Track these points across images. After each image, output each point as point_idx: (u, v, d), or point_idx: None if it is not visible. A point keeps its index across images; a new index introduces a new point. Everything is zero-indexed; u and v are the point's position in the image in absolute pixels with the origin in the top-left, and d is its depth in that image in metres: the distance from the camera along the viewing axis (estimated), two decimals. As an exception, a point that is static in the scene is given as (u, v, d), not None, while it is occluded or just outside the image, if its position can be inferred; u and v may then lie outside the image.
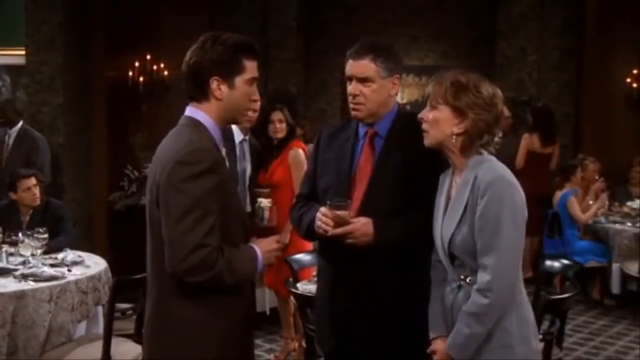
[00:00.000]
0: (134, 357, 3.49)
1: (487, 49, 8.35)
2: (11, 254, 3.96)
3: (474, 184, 2.12)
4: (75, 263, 3.95)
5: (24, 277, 3.59)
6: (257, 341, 4.86)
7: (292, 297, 3.95)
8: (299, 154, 4.48)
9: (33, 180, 4.47)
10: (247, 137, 4.65)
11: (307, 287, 3.66)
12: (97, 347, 3.41)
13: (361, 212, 2.41)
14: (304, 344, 3.85)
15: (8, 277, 3.62)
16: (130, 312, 3.62)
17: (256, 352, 4.56)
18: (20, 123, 6.06)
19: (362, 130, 2.55)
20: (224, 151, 2.31)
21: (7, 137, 6.02)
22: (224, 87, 2.10)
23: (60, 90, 6.63)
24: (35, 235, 3.89)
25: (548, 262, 4.05)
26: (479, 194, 2.10)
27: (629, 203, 6.69)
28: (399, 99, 2.66)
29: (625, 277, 5.95)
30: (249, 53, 2.12)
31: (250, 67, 2.13)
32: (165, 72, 7.63)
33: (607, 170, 6.90)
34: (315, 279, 3.13)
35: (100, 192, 7.26)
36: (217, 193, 2.00)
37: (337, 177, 2.52)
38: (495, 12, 8.23)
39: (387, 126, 2.51)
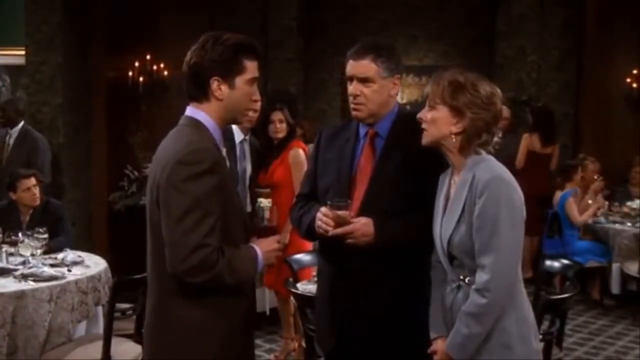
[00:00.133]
0: (134, 357, 3.49)
1: (486, 49, 8.36)
2: (11, 254, 3.96)
3: (471, 183, 2.12)
4: (75, 263, 3.95)
5: (24, 277, 3.59)
6: (257, 341, 4.86)
7: (292, 297, 3.95)
8: (299, 154, 4.48)
9: (33, 181, 4.47)
10: (247, 137, 4.65)
11: (307, 287, 3.66)
12: (97, 347, 3.41)
13: (361, 212, 2.41)
14: (304, 344, 3.85)
15: (8, 277, 3.62)
16: (130, 312, 3.62)
17: (256, 352, 4.55)
18: (22, 123, 6.07)
19: (362, 130, 2.55)
20: (224, 151, 2.31)
21: (8, 137, 6.03)
22: (224, 87, 2.10)
23: (60, 90, 6.63)
24: (35, 235, 3.89)
25: (548, 262, 4.04)
26: (477, 193, 2.10)
27: (628, 203, 6.69)
28: (398, 99, 2.65)
29: (625, 277, 5.95)
30: (249, 53, 2.13)
31: (251, 67, 2.13)
32: (165, 72, 7.63)
33: (607, 170, 6.90)
34: (315, 279, 3.14)
35: (100, 192, 7.26)
36: (218, 193, 2.00)
37: (338, 177, 2.52)
38: (495, 12, 8.23)
39: (388, 126, 2.51)
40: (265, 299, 5.08)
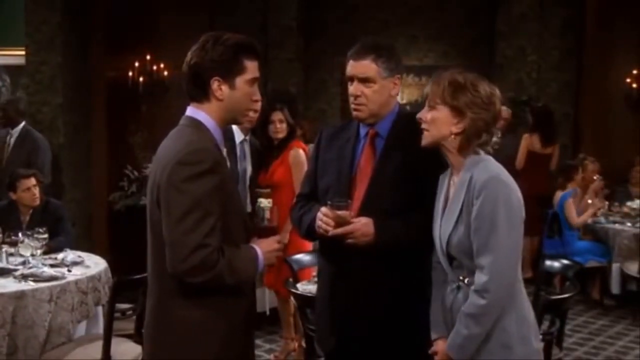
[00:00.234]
0: (134, 357, 3.49)
1: (486, 49, 8.36)
2: (11, 254, 3.96)
3: (469, 184, 2.12)
4: (75, 263, 3.95)
5: (24, 277, 3.59)
6: (257, 341, 4.86)
7: (292, 297, 3.95)
8: (300, 154, 4.48)
9: (33, 181, 4.47)
10: (247, 137, 4.65)
11: (307, 287, 3.66)
12: (97, 347, 3.41)
13: (361, 212, 2.41)
14: (304, 344, 3.85)
15: (8, 277, 3.62)
16: (130, 312, 3.62)
17: (256, 352, 4.54)
18: (23, 123, 6.07)
19: (363, 130, 2.55)
20: (225, 151, 2.31)
21: (8, 137, 6.03)
22: (224, 88, 2.10)
23: (60, 90, 6.63)
24: (35, 235, 3.89)
25: (548, 262, 4.04)
26: (475, 194, 2.10)
27: (628, 203, 6.70)
28: (398, 99, 2.65)
29: (625, 277, 5.95)
30: (249, 53, 2.12)
31: (251, 68, 2.13)
32: (165, 72, 7.63)
33: (607, 170, 6.91)
34: (315, 279, 3.14)
35: (100, 192, 7.26)
36: (218, 193, 2.00)
37: (338, 177, 2.52)
38: (495, 12, 8.23)
39: (388, 126, 2.51)
40: (265, 299, 5.08)
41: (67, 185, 6.69)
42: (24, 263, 3.82)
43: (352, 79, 2.48)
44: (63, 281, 3.61)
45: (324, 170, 2.58)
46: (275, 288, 4.60)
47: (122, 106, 7.55)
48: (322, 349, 2.78)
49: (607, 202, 6.82)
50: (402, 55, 2.60)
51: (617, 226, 6.18)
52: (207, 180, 1.98)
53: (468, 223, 2.11)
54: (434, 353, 2.26)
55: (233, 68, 2.09)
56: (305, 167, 3.58)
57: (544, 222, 6.28)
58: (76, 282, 3.66)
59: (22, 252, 3.90)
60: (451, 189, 2.23)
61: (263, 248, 2.17)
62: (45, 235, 3.93)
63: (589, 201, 6.35)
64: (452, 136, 2.17)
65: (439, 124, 2.17)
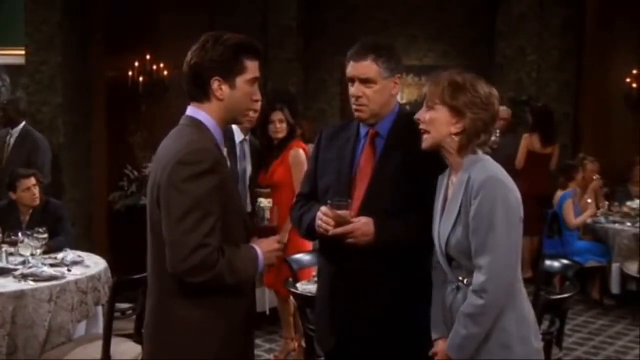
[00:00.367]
0: (134, 357, 3.49)
1: (486, 49, 8.35)
2: (11, 254, 3.96)
3: (467, 184, 2.12)
4: (75, 263, 3.95)
5: (24, 277, 3.59)
6: (257, 341, 4.86)
7: (292, 297, 3.95)
8: (300, 154, 4.48)
9: (33, 181, 4.47)
10: (247, 137, 4.65)
11: (307, 287, 3.66)
12: (97, 347, 3.40)
13: (362, 212, 2.41)
14: (304, 344, 3.85)
15: (8, 277, 3.62)
16: (130, 312, 3.62)
17: (256, 352, 4.55)
18: (23, 123, 6.07)
19: (363, 130, 2.55)
20: (225, 151, 2.31)
21: (9, 137, 6.03)
22: (225, 88, 2.10)
23: (60, 90, 6.63)
24: (35, 235, 3.89)
25: (548, 262, 4.04)
26: (473, 194, 2.09)
27: (628, 203, 6.70)
28: (398, 98, 2.65)
29: (625, 277, 5.96)
30: (250, 53, 2.12)
31: (252, 68, 2.13)
32: (165, 72, 7.63)
33: (607, 170, 6.91)
34: (315, 279, 3.14)
35: (100, 192, 7.26)
36: (218, 193, 2.00)
37: (338, 177, 2.52)
38: (495, 12, 8.22)
39: (388, 126, 2.51)
40: (265, 299, 5.08)
41: (67, 185, 6.70)
42: (24, 263, 3.82)
43: (353, 80, 2.48)
44: (63, 281, 3.61)
45: (324, 170, 2.58)
46: (275, 288, 4.60)
47: (122, 106, 7.55)
48: (322, 349, 2.78)
49: (607, 202, 6.83)
50: (402, 55, 2.60)
51: (617, 226, 6.18)
52: (208, 180, 1.98)
53: (466, 223, 2.11)
54: (435, 354, 2.26)
55: (233, 68, 2.09)
56: (306, 167, 3.58)
57: (544, 222, 6.28)
58: (76, 282, 3.66)
59: (22, 252, 3.90)
60: (450, 190, 2.23)
61: (263, 248, 2.17)
62: (45, 235, 3.93)
63: (589, 201, 6.36)
64: (452, 136, 2.16)
65: (438, 124, 2.17)
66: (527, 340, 2.15)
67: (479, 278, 2.08)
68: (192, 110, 2.15)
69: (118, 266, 4.32)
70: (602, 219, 6.39)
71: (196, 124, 2.11)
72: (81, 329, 3.76)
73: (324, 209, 2.41)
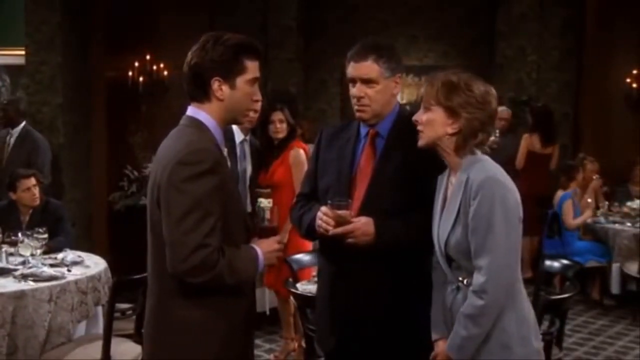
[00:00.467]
0: (133, 357, 3.49)
1: (486, 49, 8.35)
2: (11, 254, 3.96)
3: (466, 184, 2.12)
4: (74, 263, 3.95)
5: (24, 277, 3.59)
6: (257, 341, 4.86)
7: (292, 297, 3.95)
8: (300, 154, 4.47)
9: (33, 181, 4.47)
10: (247, 137, 4.65)
11: (307, 287, 3.66)
12: (96, 347, 3.40)
13: (361, 212, 2.41)
14: (303, 344, 3.85)
15: (8, 277, 3.62)
16: (130, 312, 3.62)
17: (256, 352, 4.56)
18: (23, 123, 6.07)
19: (363, 130, 2.55)
20: (225, 151, 2.31)
21: (8, 137, 6.03)
22: (225, 88, 2.10)
23: (60, 90, 6.63)
24: (35, 235, 3.89)
25: (548, 262, 4.04)
26: (471, 194, 2.09)
27: (628, 203, 6.70)
28: (398, 98, 2.65)
29: (625, 277, 5.96)
30: (250, 53, 2.12)
31: (252, 68, 2.13)
32: (165, 72, 7.63)
33: (606, 170, 6.91)
34: (315, 279, 3.14)
35: (100, 192, 7.26)
36: (218, 193, 2.00)
37: (338, 177, 2.52)
38: (494, 12, 8.23)
39: (389, 126, 2.51)
40: (265, 299, 5.08)
41: (67, 185, 6.69)
42: (23, 263, 3.82)
43: (354, 80, 2.48)
44: (63, 281, 3.61)
45: (324, 170, 2.58)
46: (275, 288, 4.60)
47: (122, 106, 7.55)
48: (322, 349, 2.78)
49: (607, 202, 6.83)
50: (402, 55, 2.60)
51: (617, 226, 6.18)
52: (208, 180, 1.98)
53: (465, 224, 2.11)
54: (435, 355, 2.26)
55: (233, 68, 2.09)
56: (306, 167, 3.58)
57: (543, 222, 6.28)
58: (76, 282, 3.66)
59: (22, 252, 3.90)
60: (449, 190, 2.23)
61: (263, 248, 2.17)
62: (45, 235, 3.93)
63: (589, 200, 6.36)
64: (448, 136, 2.16)
65: (434, 125, 2.17)
66: (527, 341, 2.15)
67: (478, 278, 2.08)
68: (192, 110, 2.15)
69: (118, 266, 4.32)
70: (602, 219, 6.39)
71: (196, 124, 2.11)
72: (81, 329, 3.76)
73: (324, 208, 2.41)
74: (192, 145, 2.02)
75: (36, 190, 4.48)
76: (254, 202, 4.49)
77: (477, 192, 2.08)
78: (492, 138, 2.21)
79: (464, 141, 2.16)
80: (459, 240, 2.13)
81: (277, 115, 4.51)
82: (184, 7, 7.74)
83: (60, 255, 4.05)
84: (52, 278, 3.60)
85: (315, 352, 3.33)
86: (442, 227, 2.20)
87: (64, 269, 3.79)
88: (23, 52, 6.70)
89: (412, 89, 8.31)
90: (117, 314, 3.45)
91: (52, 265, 3.83)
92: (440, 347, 2.24)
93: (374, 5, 8.58)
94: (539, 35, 7.96)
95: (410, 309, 2.42)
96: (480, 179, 2.09)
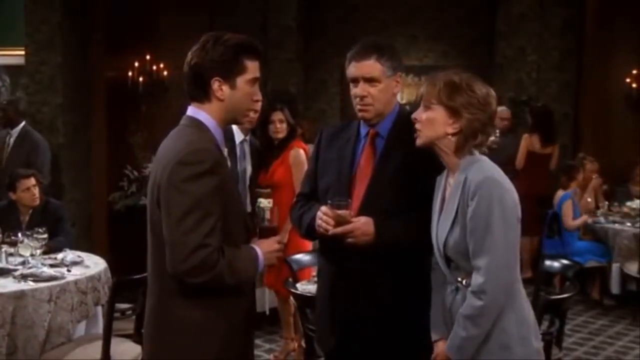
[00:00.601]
0: (133, 357, 3.49)
1: (486, 48, 8.36)
2: (11, 254, 3.95)
3: (464, 185, 2.12)
4: (74, 263, 3.95)
5: (24, 277, 3.59)
6: (257, 341, 4.86)
7: (291, 297, 3.95)
8: (300, 154, 4.47)
9: (32, 181, 4.47)
10: (247, 138, 4.65)
11: (306, 287, 3.66)
12: (96, 347, 3.40)
13: (361, 212, 2.41)
14: (303, 344, 3.85)
15: (7, 277, 3.62)
16: (130, 312, 3.62)
17: (256, 352, 4.56)
18: (22, 124, 6.07)
19: (363, 130, 2.55)
20: (225, 151, 2.31)
21: (8, 137, 6.03)
22: (225, 88, 2.10)
23: (60, 90, 6.63)
24: (35, 235, 3.89)
25: (548, 262, 4.04)
26: (469, 195, 2.09)
27: (628, 203, 6.70)
28: (398, 98, 2.66)
29: (624, 277, 5.96)
30: (250, 53, 2.12)
31: (252, 68, 2.13)
32: (165, 72, 7.63)
33: (606, 170, 6.92)
34: (315, 279, 3.14)
35: (100, 192, 7.26)
36: (219, 193, 2.00)
37: (338, 177, 2.52)
38: (494, 12, 8.22)
39: (389, 126, 2.52)
40: (265, 299, 5.08)
41: (67, 185, 6.70)
42: (23, 263, 3.82)
43: (356, 80, 2.48)
44: (62, 281, 3.61)
45: (324, 170, 2.58)
46: (275, 288, 4.60)
47: (122, 106, 7.55)
48: (322, 349, 2.78)
49: (607, 202, 6.83)
50: (402, 55, 2.60)
51: (617, 226, 6.18)
52: (208, 180, 1.98)
53: (464, 224, 2.10)
54: (435, 356, 2.26)
55: (234, 68, 2.09)
56: (306, 167, 3.58)
57: (543, 222, 6.28)
58: (76, 282, 3.66)
59: (21, 252, 3.90)
60: (447, 190, 2.23)
61: (263, 248, 2.17)
62: (45, 235, 3.93)
63: (589, 200, 6.36)
64: (448, 136, 2.16)
65: (434, 124, 2.17)
66: (526, 341, 2.15)
67: (477, 279, 2.08)
68: (192, 111, 2.15)
69: (118, 266, 4.32)
70: (602, 219, 6.39)
71: (196, 124, 2.11)
72: (81, 329, 3.76)
73: (323, 208, 2.41)
74: (192, 145, 2.02)
75: (36, 190, 4.48)
76: (254, 202, 4.49)
77: (475, 193, 2.08)
78: (492, 138, 2.21)
79: (464, 141, 2.16)
80: (457, 240, 2.13)
81: (277, 115, 4.51)
82: (184, 7, 7.74)
83: (60, 256, 4.05)
84: (51, 278, 3.60)
85: (315, 352, 3.34)
86: (440, 228, 2.20)
87: (64, 269, 3.79)
88: (23, 52, 6.70)
89: (412, 89, 8.30)
90: (117, 314, 3.45)
91: (52, 266, 3.83)
92: (440, 347, 2.24)
93: (374, 5, 8.58)
94: (539, 35, 7.95)
95: (410, 309, 2.42)
96: (478, 180, 2.09)
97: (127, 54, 7.52)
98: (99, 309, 3.87)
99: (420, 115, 2.20)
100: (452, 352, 2.16)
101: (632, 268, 5.76)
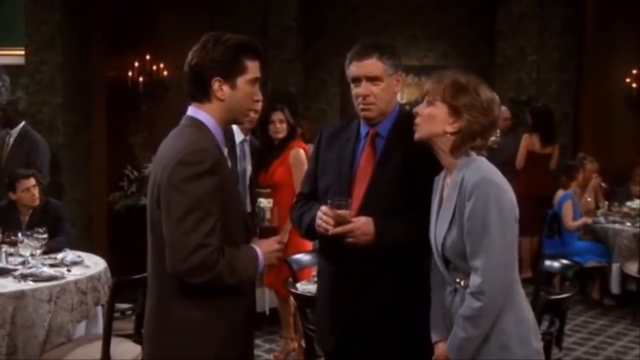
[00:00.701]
0: (133, 357, 3.49)
1: (486, 48, 8.35)
2: (11, 254, 3.96)
3: (461, 185, 2.11)
4: (74, 263, 3.95)
5: (24, 277, 3.59)
6: (257, 341, 4.86)
7: (291, 297, 3.95)
8: (300, 154, 4.47)
9: (32, 181, 4.47)
10: (247, 138, 4.65)
11: (306, 287, 3.66)
12: (96, 347, 3.40)
13: (361, 212, 2.41)
14: (303, 344, 3.85)
15: (7, 277, 3.62)
16: (130, 312, 3.62)
17: (256, 352, 4.56)
18: (22, 124, 6.07)
19: (363, 130, 2.56)
20: (226, 151, 2.31)
21: (7, 137, 6.03)
22: (225, 88, 2.10)
23: (60, 90, 6.63)
24: (35, 235, 3.89)
25: (548, 262, 4.04)
26: (466, 195, 2.08)
27: (628, 203, 6.70)
28: (398, 98, 2.66)
29: (624, 277, 5.96)
30: (250, 53, 2.12)
31: (252, 68, 2.13)
32: (165, 72, 7.63)
33: (606, 170, 6.92)
34: (315, 279, 3.14)
35: (100, 192, 7.26)
36: (219, 193, 2.00)
37: (338, 177, 2.52)
38: (494, 12, 8.22)
39: (389, 126, 2.52)
40: (265, 299, 5.08)
41: (66, 185, 6.69)
42: (23, 263, 3.82)
43: (358, 79, 2.48)
44: (62, 281, 3.61)
45: (324, 170, 2.59)
46: (275, 288, 4.60)
47: (122, 106, 7.55)
48: (322, 349, 2.78)
49: (607, 202, 6.83)
50: (402, 55, 2.61)
51: (617, 226, 6.18)
52: (208, 180, 1.98)
53: (461, 225, 2.10)
54: (436, 358, 2.26)
55: (234, 68, 2.09)
56: (306, 167, 3.58)
57: (543, 222, 6.28)
58: (76, 282, 3.66)
59: (21, 252, 3.90)
60: (445, 191, 2.23)
61: (263, 248, 2.17)
62: (45, 235, 3.93)
63: (589, 199, 6.36)
64: (446, 135, 2.16)
65: (434, 120, 2.17)
66: (526, 341, 2.14)
67: (475, 280, 2.07)
68: (192, 110, 2.15)
69: (118, 266, 4.31)
70: (602, 219, 6.38)
71: (196, 124, 2.11)
72: (81, 329, 3.76)
73: (323, 208, 2.42)
74: (192, 145, 2.02)
75: (36, 191, 4.48)
76: (254, 202, 4.49)
77: (471, 193, 2.07)
78: (492, 138, 2.20)
79: (461, 142, 2.16)
80: (454, 241, 2.12)
81: (277, 115, 4.51)
82: (184, 7, 7.74)
83: (60, 255, 4.05)
84: (51, 278, 3.60)
85: (315, 352, 3.34)
86: (438, 229, 2.20)
87: (64, 269, 3.79)
88: (23, 52, 6.70)
89: (412, 89, 8.30)
90: (117, 314, 3.45)
91: (51, 265, 3.83)
92: (440, 349, 2.24)
93: (374, 5, 8.58)
94: (539, 35, 7.95)
95: (410, 309, 2.42)
96: (475, 180, 2.08)
97: (127, 54, 7.52)
98: (99, 309, 3.87)
99: (422, 110, 2.21)
100: (452, 353, 2.16)
101: (632, 268, 5.76)
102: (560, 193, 6.32)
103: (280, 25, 8.06)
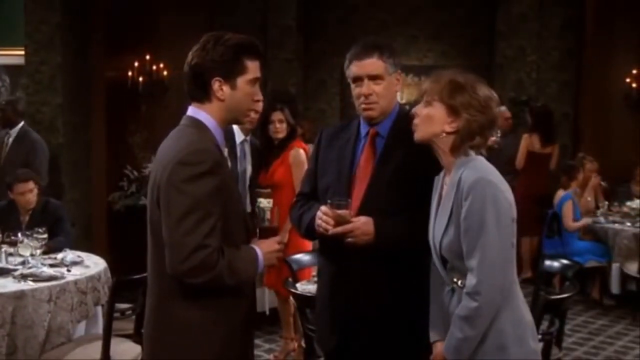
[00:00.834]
0: (133, 357, 3.49)
1: (486, 48, 8.36)
2: (10, 254, 3.96)
3: (458, 185, 2.11)
4: (74, 263, 3.95)
5: (24, 277, 3.59)
6: (257, 341, 4.86)
7: (291, 297, 3.94)
8: (300, 154, 4.47)
9: (29, 186, 4.46)
10: (247, 138, 4.65)
11: (306, 287, 3.66)
12: (96, 347, 3.40)
13: (361, 212, 2.41)
14: (303, 344, 3.85)
15: (7, 277, 3.62)
16: (130, 312, 3.62)
17: (256, 352, 4.56)
18: (21, 124, 6.07)
19: (363, 130, 2.56)
20: (226, 151, 2.31)
21: (7, 137, 6.03)
22: (225, 88, 2.10)
23: (60, 90, 6.62)
24: (35, 235, 3.89)
25: (547, 262, 4.04)
26: (463, 195, 2.08)
27: (628, 203, 6.71)
28: (398, 98, 2.67)
29: (624, 277, 5.96)
30: (250, 53, 2.12)
31: (252, 68, 2.13)
32: (165, 72, 7.62)
33: (606, 170, 6.92)
34: (315, 279, 3.14)
35: (100, 192, 7.25)
36: (219, 194, 2.00)
37: (338, 177, 2.52)
38: (494, 12, 8.23)
39: (389, 126, 2.52)
40: (265, 299, 5.08)
41: (66, 185, 6.69)
42: (23, 263, 3.82)
43: (359, 79, 2.48)
44: (62, 281, 3.61)
45: (324, 170, 2.59)
46: (275, 288, 4.60)
47: (122, 106, 7.55)
48: (322, 349, 2.78)
49: (607, 202, 6.83)
50: (402, 55, 2.62)
51: (616, 226, 6.18)
52: (208, 180, 1.98)
53: (458, 225, 2.09)
54: (434, 358, 2.26)
55: (234, 68, 2.09)
56: (306, 167, 3.58)
57: (543, 222, 6.28)
58: (75, 282, 3.66)
59: (21, 252, 3.89)
60: (444, 190, 2.23)
61: (263, 249, 2.16)
62: (45, 235, 3.93)
63: (589, 199, 6.36)
64: (445, 135, 2.16)
65: (432, 120, 2.17)
66: (523, 341, 2.14)
67: (471, 280, 2.07)
68: (192, 111, 2.15)
69: (118, 266, 4.32)
70: (602, 219, 6.39)
71: (196, 124, 2.11)
72: (80, 329, 3.76)
73: (323, 208, 2.42)
74: (192, 146, 2.02)
75: (31, 195, 4.46)
76: (254, 202, 4.49)
77: (468, 193, 2.07)
78: (493, 138, 2.20)
79: (460, 142, 2.15)
80: (452, 240, 2.12)
81: (277, 115, 4.50)
82: (184, 7, 7.74)
83: (59, 255, 4.05)
84: (51, 278, 3.60)
85: (315, 352, 3.33)
86: (436, 228, 2.20)
87: (64, 269, 3.79)
88: (23, 52, 6.69)
89: (412, 89, 8.30)
90: (117, 314, 3.45)
91: (51, 265, 3.83)
92: (439, 348, 2.23)
93: (374, 5, 8.58)
94: (539, 35, 7.95)
95: (410, 309, 2.42)
96: (472, 180, 2.08)
97: (127, 54, 7.52)
98: (99, 309, 3.87)
99: (420, 110, 2.21)
100: (449, 353, 2.15)
101: (632, 268, 5.76)
102: (560, 193, 6.32)
103: (280, 25, 8.06)
